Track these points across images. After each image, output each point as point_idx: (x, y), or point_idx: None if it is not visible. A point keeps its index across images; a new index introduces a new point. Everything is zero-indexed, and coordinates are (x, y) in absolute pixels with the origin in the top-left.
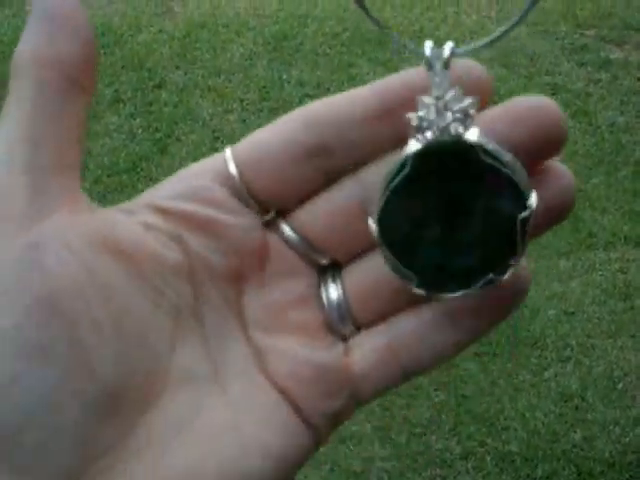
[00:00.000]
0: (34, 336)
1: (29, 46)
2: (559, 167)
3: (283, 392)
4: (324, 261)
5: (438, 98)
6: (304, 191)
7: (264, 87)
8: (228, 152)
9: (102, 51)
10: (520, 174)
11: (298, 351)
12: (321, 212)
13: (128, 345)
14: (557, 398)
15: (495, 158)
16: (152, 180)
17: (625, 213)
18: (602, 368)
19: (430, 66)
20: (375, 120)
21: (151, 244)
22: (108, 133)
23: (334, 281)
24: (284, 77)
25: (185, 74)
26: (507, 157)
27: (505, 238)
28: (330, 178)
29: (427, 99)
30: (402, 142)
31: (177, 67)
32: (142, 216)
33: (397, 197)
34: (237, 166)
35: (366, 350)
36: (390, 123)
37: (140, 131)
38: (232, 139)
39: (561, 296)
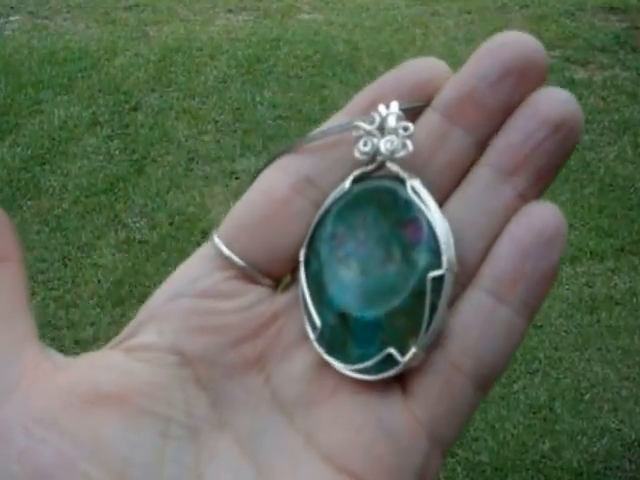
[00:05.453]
0: None
1: None
2: (549, 89)
3: (347, 471)
4: None
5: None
6: (303, 232)
7: (238, 109)
8: (215, 236)
9: (79, 75)
10: (443, 226)
11: (352, 415)
12: None
13: None
14: (526, 410)
15: (422, 200)
16: (129, 200)
17: (591, 229)
18: (569, 380)
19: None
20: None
21: (140, 373)
22: (86, 155)
23: None
24: (257, 99)
25: (160, 97)
26: (433, 204)
27: (414, 300)
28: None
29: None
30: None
31: (153, 90)
32: (133, 340)
33: (330, 221)
34: (227, 243)
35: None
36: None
37: (117, 153)
38: (207, 159)
39: None
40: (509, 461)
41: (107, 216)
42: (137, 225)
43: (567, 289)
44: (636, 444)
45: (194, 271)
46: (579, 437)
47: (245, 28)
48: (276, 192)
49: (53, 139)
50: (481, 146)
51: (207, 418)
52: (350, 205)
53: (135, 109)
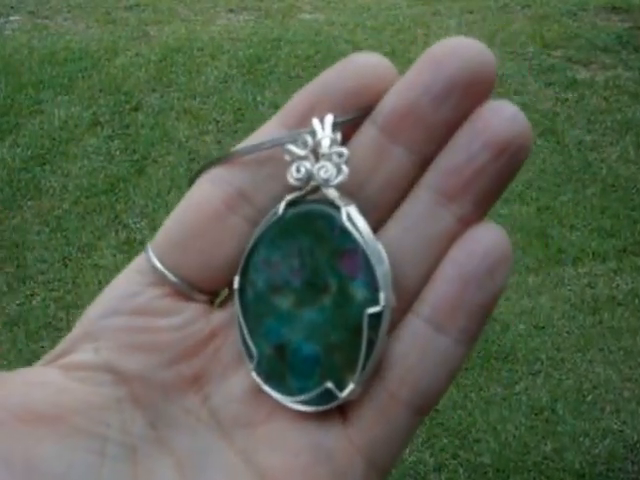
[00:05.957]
0: None
1: None
2: (495, 105)
3: None
4: None
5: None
6: (237, 249)
7: (239, 109)
8: (150, 250)
9: (80, 75)
10: (379, 259)
11: (290, 439)
12: None
13: None
14: (528, 411)
15: (358, 229)
16: (130, 201)
17: (593, 229)
18: (571, 381)
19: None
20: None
21: (76, 391)
22: (87, 155)
23: None
24: (258, 99)
25: (161, 97)
26: (369, 233)
27: (351, 336)
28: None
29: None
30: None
31: (153, 90)
32: (70, 357)
33: (263, 248)
34: (161, 259)
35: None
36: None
37: (118, 153)
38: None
39: (531, 311)
40: (511, 462)
41: (108, 217)
42: (138, 226)
43: (569, 290)
44: (638, 445)
45: (128, 286)
46: (581, 438)
47: (246, 28)
48: (208, 207)
49: (53, 139)
50: (422, 163)
51: (145, 437)
52: (284, 232)
53: (136, 109)
